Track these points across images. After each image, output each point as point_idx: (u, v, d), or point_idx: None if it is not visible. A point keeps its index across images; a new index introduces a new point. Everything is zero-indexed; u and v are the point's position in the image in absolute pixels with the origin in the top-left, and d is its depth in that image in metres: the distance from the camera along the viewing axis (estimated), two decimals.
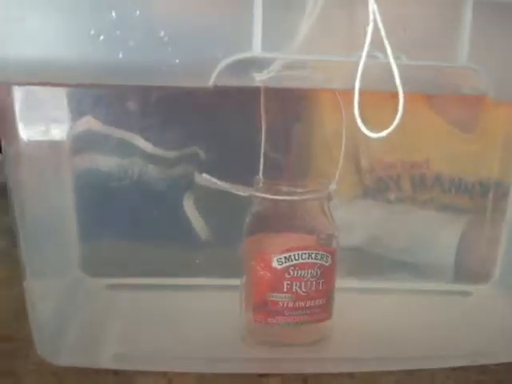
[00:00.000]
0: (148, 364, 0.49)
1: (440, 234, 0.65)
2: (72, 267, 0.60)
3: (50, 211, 0.58)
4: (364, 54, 0.37)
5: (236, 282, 0.53)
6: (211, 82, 0.39)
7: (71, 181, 0.62)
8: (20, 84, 0.43)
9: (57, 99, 0.58)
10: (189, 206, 0.60)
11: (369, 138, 0.66)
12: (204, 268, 0.62)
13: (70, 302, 0.57)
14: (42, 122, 0.56)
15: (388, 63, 0.38)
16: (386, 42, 0.37)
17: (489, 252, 0.63)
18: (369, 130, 0.37)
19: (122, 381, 0.49)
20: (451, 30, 0.39)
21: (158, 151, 0.63)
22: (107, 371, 0.49)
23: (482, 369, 0.51)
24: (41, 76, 0.40)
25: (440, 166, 0.69)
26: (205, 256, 0.62)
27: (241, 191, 0.52)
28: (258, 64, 0.39)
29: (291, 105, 0.56)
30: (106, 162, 0.62)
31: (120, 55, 0.38)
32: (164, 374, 0.49)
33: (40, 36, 0.39)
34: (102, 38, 0.38)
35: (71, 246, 0.61)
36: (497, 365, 0.51)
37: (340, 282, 0.56)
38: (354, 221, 0.70)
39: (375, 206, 0.71)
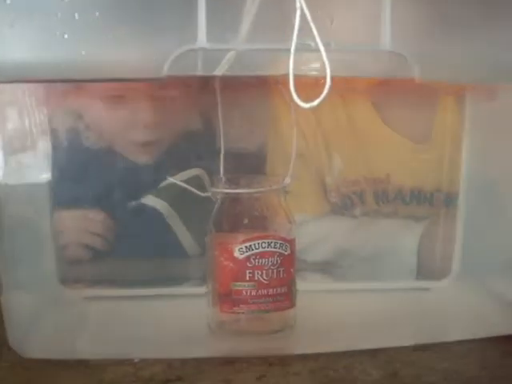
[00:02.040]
0: (118, 352, 0.51)
1: (401, 239, 0.69)
2: (50, 280, 0.63)
3: (28, 235, 0.61)
4: (294, 38, 0.42)
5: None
6: (164, 73, 0.44)
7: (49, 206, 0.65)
8: None
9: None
10: (174, 221, 0.64)
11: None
12: (177, 278, 0.65)
13: (45, 307, 0.59)
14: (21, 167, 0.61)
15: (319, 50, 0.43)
16: (314, 29, 0.42)
17: (445, 251, 0.66)
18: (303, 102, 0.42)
19: (92, 372, 0.50)
20: (374, 18, 0.44)
21: None
22: (78, 364, 0.51)
23: (441, 347, 0.53)
24: (13, 75, 0.45)
25: (400, 180, 0.73)
26: (178, 267, 0.65)
27: (203, 191, 0.56)
28: (206, 55, 0.44)
29: (247, 106, 0.61)
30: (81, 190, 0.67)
31: (83, 52, 0.43)
32: (133, 364, 0.51)
33: (11, 39, 0.44)
34: (66, 36, 0.43)
35: (49, 262, 0.63)
36: (452, 343, 0.54)
37: (311, 284, 0.61)
38: (322, 236, 0.73)
39: (342, 221, 0.74)
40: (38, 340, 0.53)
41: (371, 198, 0.74)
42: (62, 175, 0.63)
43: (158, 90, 0.64)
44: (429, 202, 0.72)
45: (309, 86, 0.44)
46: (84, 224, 0.67)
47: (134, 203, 0.67)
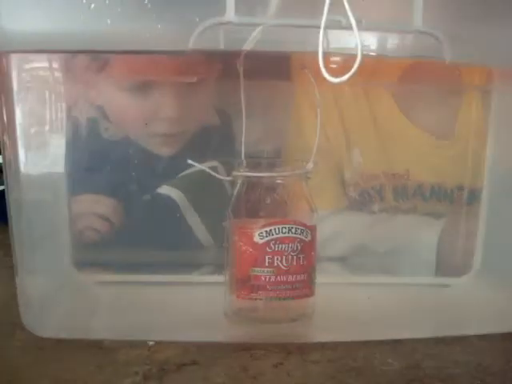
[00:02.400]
0: (132, 335, 0.50)
1: (420, 236, 0.68)
2: (64, 264, 0.62)
3: (45, 220, 0.60)
4: (325, 14, 0.41)
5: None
6: (190, 45, 0.43)
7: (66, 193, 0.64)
8: (18, 52, 0.47)
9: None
10: (188, 211, 0.63)
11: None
12: (190, 265, 0.64)
13: (59, 290, 0.58)
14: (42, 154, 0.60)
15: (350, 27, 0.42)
16: (346, 4, 0.41)
17: (466, 248, 0.65)
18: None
19: (106, 354, 0.49)
20: None
21: None
22: (91, 344, 0.50)
23: (463, 341, 0.52)
24: (37, 44, 0.44)
25: (420, 175, 0.72)
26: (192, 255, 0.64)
27: (224, 175, 0.55)
28: (233, 31, 0.43)
29: (270, 90, 0.60)
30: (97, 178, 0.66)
31: (108, 21, 0.43)
32: (148, 347, 0.50)
33: (37, 6, 0.43)
34: (92, 6, 0.43)
35: (64, 246, 0.63)
36: (475, 337, 0.52)
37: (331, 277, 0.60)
38: (340, 232, 0.72)
39: (360, 217, 0.73)
40: (52, 319, 0.52)
41: (390, 194, 0.73)
42: (79, 164, 0.63)
43: (180, 77, 0.63)
44: (449, 199, 0.71)
45: (334, 71, 0.43)
46: (99, 210, 0.67)
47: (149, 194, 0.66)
